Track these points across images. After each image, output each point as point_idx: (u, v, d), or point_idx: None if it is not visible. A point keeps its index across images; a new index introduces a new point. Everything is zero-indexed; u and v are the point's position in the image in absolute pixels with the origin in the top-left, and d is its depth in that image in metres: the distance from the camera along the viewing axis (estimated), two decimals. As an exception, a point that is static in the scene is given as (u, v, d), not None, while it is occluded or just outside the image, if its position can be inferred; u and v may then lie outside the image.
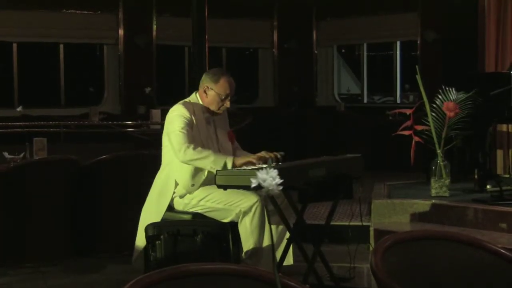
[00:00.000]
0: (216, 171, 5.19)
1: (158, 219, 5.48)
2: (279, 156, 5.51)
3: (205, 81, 5.66)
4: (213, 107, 5.63)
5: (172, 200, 5.55)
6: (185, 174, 5.49)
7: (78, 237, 7.23)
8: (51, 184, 6.96)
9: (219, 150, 5.61)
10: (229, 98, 5.64)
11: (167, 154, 5.58)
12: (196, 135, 5.49)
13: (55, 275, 6.69)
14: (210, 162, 5.33)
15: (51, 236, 7.02)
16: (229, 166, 5.32)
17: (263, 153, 5.47)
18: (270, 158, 5.41)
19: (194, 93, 5.73)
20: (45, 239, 6.98)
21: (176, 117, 5.48)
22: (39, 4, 13.53)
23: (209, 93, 5.62)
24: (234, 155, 5.65)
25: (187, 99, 5.70)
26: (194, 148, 5.35)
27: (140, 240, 5.53)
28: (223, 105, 5.64)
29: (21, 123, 10.97)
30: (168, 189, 5.55)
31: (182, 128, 5.41)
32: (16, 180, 6.85)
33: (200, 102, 5.65)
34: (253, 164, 5.33)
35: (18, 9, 13.28)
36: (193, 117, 5.50)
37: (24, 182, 6.87)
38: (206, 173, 5.46)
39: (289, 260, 5.57)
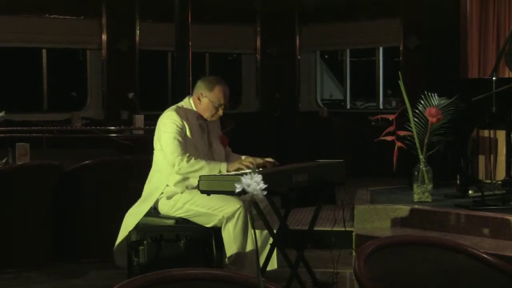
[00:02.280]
0: (200, 176, 5.20)
1: (131, 226, 5.46)
2: (269, 161, 5.54)
3: (200, 88, 5.65)
4: (206, 115, 5.64)
5: (157, 202, 5.55)
6: (178, 177, 5.49)
7: (61, 242, 7.21)
8: (34, 189, 6.94)
9: (212, 155, 5.62)
10: (222, 106, 5.64)
11: (158, 159, 5.58)
12: (189, 142, 5.49)
13: (37, 280, 6.66)
14: (205, 173, 5.33)
15: (34, 242, 6.99)
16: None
17: (253, 159, 5.50)
18: (255, 164, 5.43)
19: (187, 98, 5.72)
20: (28, 245, 6.95)
21: (168, 124, 5.48)
22: (22, 9, 13.48)
23: (203, 100, 5.62)
24: (227, 159, 5.67)
25: (180, 104, 5.69)
26: (187, 161, 5.37)
27: (120, 239, 5.52)
28: (216, 113, 5.64)
29: (3, 128, 10.91)
30: (156, 193, 5.54)
31: (174, 138, 5.42)
32: (-1, 186, 6.82)
33: (193, 107, 5.66)
34: (244, 169, 5.36)
35: (1, 13, 13.22)
36: (185, 124, 5.50)
37: (7, 187, 6.84)
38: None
39: (273, 264, 5.58)
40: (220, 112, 5.66)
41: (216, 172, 5.34)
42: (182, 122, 5.49)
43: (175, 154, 5.39)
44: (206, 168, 5.36)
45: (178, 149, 5.40)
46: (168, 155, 5.42)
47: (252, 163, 5.44)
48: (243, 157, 5.68)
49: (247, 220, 5.32)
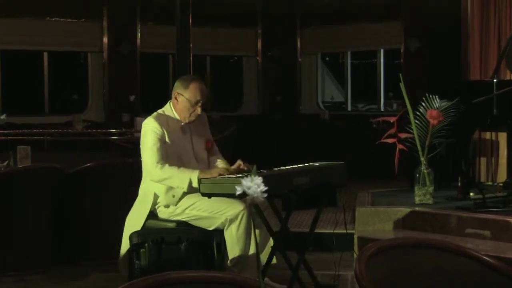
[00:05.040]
0: (200, 179, 5.19)
1: (138, 228, 5.47)
2: (245, 168, 5.49)
3: (176, 88, 5.65)
4: (184, 114, 5.60)
5: (156, 209, 5.56)
6: (163, 186, 5.49)
7: (62, 245, 7.21)
8: (35, 192, 6.94)
9: (195, 159, 5.61)
10: (200, 104, 5.59)
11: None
12: (169, 148, 5.48)
13: (38, 283, 6.66)
14: (176, 181, 5.34)
15: (35, 245, 6.99)
16: (194, 183, 5.31)
17: (225, 166, 5.47)
18: (247, 168, 5.41)
19: (168, 103, 5.71)
20: (29, 248, 6.95)
21: (147, 132, 5.48)
22: (23, 11, 13.49)
23: (180, 99, 5.60)
24: (209, 164, 5.64)
25: (160, 110, 5.67)
26: (161, 168, 5.36)
27: (125, 247, 5.53)
28: (194, 111, 5.60)
29: (4, 131, 10.92)
30: (148, 199, 5.56)
31: (153, 145, 5.42)
32: (0, 188, 6.81)
33: (173, 111, 5.63)
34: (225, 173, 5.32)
35: (2, 16, 13.23)
36: (164, 130, 5.47)
37: (8, 190, 6.84)
38: None
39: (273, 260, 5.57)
40: (198, 110, 5.60)
41: (186, 181, 5.32)
42: (162, 129, 5.47)
43: (151, 161, 5.41)
44: (176, 175, 5.35)
45: (154, 157, 5.40)
46: (144, 164, 5.47)
47: (225, 170, 5.39)
48: (218, 161, 5.66)
49: (250, 222, 5.31)
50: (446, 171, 8.22)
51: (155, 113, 5.62)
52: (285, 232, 5.51)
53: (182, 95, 5.58)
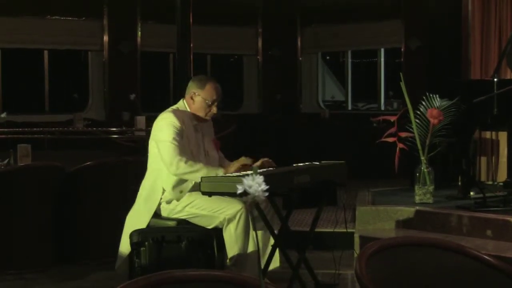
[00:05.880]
0: (201, 178, 5.19)
1: (144, 226, 5.47)
2: (267, 161, 5.55)
3: (192, 87, 5.66)
4: (200, 113, 5.64)
5: (158, 206, 5.55)
6: (172, 181, 5.48)
7: (62, 243, 7.20)
8: (36, 190, 6.94)
9: (206, 158, 5.61)
10: (215, 103, 5.65)
11: (154, 161, 5.57)
12: (185, 144, 5.48)
13: (38, 282, 6.66)
14: (202, 175, 5.31)
15: (35, 243, 6.98)
16: None
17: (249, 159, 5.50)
18: (256, 165, 5.42)
19: (181, 100, 5.72)
20: (29, 246, 6.95)
21: (166, 126, 5.46)
22: (24, 10, 13.49)
23: (196, 99, 5.62)
24: (220, 164, 5.66)
25: (175, 106, 5.68)
26: (185, 162, 5.34)
27: (124, 246, 5.52)
28: (210, 110, 5.65)
29: (5, 129, 10.92)
30: (155, 196, 5.54)
31: (173, 139, 5.39)
32: (0, 187, 6.81)
33: (188, 109, 5.65)
34: (246, 167, 5.35)
35: (3, 15, 13.24)
36: (183, 126, 5.49)
37: (8, 188, 6.84)
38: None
39: (276, 263, 5.56)
40: (214, 109, 5.66)
41: (213, 175, 5.31)
42: (180, 124, 5.48)
43: (174, 155, 5.37)
44: (203, 170, 5.33)
45: (176, 150, 5.38)
46: (166, 156, 5.39)
47: (246, 164, 5.43)
48: (242, 158, 5.67)
49: (249, 221, 5.32)
50: (447, 170, 8.22)
51: (170, 109, 5.63)
52: (286, 231, 5.51)
53: (199, 95, 5.62)
